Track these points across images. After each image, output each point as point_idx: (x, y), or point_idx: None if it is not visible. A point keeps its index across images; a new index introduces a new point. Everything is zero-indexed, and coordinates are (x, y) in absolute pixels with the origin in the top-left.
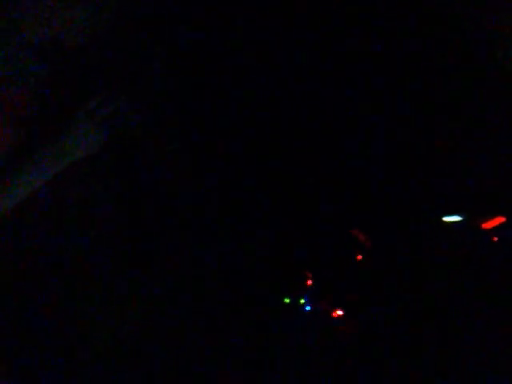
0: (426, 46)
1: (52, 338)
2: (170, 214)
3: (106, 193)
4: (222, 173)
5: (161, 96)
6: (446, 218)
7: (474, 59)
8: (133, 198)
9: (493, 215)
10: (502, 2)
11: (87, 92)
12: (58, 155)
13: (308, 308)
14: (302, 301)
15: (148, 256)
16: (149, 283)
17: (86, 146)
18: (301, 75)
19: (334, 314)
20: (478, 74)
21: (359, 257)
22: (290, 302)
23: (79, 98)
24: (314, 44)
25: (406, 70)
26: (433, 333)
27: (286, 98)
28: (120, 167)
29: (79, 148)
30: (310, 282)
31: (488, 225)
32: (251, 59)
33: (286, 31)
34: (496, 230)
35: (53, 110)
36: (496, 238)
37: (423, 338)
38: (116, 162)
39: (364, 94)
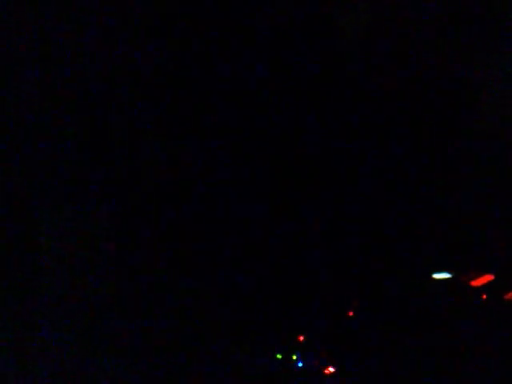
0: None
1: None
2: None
3: None
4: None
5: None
6: (436, 275)
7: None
8: None
9: (481, 273)
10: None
11: None
12: None
13: (300, 364)
14: (295, 357)
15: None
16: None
17: None
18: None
19: (325, 371)
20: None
21: (351, 313)
22: (283, 357)
23: None
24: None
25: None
26: None
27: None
28: None
29: None
30: (302, 339)
31: (477, 282)
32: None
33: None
34: (484, 287)
35: None
36: (484, 296)
37: None
38: None
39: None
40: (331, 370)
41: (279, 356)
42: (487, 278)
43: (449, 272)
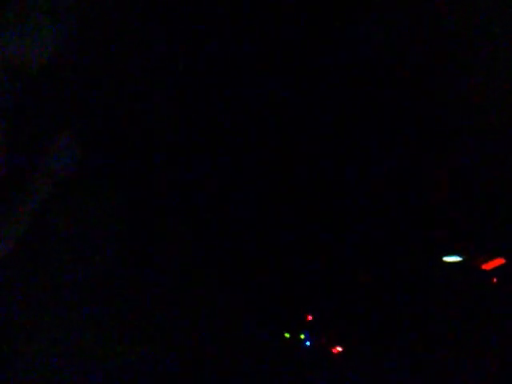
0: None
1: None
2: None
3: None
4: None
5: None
6: (447, 259)
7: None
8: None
9: (492, 257)
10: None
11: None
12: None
13: (308, 343)
14: (303, 336)
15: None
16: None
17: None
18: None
19: (333, 350)
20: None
21: (359, 294)
22: (291, 336)
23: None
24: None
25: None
26: (430, 370)
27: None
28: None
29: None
30: (310, 318)
31: (487, 266)
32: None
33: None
34: (495, 271)
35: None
36: (495, 279)
37: (421, 375)
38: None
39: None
40: (339, 349)
41: (287, 335)
42: (498, 261)
43: (460, 255)
